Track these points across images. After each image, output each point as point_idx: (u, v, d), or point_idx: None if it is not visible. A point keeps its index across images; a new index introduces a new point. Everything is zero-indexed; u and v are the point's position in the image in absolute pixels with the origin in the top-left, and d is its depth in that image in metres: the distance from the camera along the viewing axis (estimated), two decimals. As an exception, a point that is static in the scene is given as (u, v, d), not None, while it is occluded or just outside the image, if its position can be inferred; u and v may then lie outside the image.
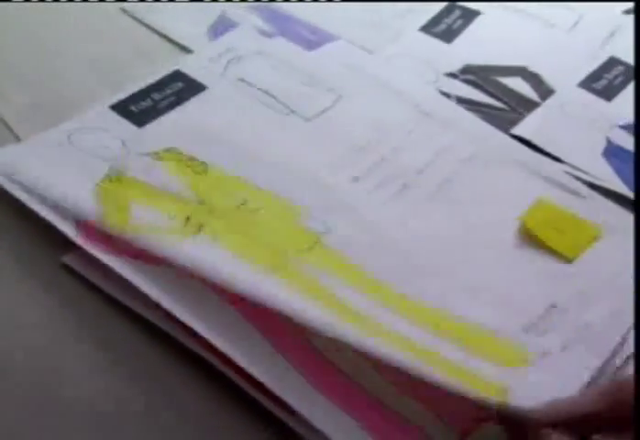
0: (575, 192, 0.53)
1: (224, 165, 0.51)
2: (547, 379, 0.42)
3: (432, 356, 0.42)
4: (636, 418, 0.40)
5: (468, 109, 0.58)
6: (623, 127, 0.58)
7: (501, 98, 0.60)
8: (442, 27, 0.67)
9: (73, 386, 0.41)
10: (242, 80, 0.58)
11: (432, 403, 0.41)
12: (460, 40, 0.66)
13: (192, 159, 0.51)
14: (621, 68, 0.64)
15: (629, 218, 0.51)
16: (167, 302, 0.43)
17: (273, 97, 0.57)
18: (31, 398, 0.40)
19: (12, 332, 0.43)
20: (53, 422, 0.40)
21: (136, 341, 0.43)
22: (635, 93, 0.62)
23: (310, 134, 0.55)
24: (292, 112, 0.56)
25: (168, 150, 0.52)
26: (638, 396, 0.41)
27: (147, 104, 0.55)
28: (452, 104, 0.59)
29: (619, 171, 0.55)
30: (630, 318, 0.45)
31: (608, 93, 0.62)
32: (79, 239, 0.45)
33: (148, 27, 0.64)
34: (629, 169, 0.55)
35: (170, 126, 0.54)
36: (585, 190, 0.53)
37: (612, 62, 0.64)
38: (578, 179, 0.54)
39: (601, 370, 0.43)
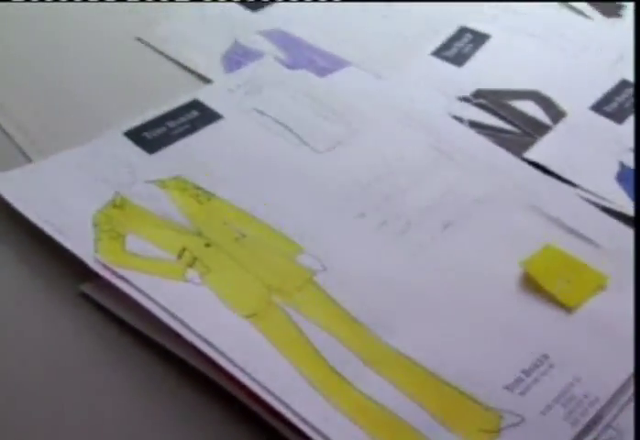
0: (586, 239, 0.51)
1: (228, 196, 0.52)
2: None
3: (392, 425, 0.41)
4: (636, 418, 0.41)
5: (481, 133, 0.59)
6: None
7: (513, 122, 0.60)
8: (453, 50, 0.67)
9: (90, 413, 0.41)
10: (258, 110, 0.58)
11: None
12: (471, 64, 0.66)
13: (197, 188, 0.52)
14: (631, 90, 0.64)
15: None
16: (184, 331, 0.43)
17: (287, 128, 0.57)
18: (48, 427, 0.41)
19: (30, 361, 0.43)
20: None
21: (155, 369, 0.43)
22: (635, 93, 0.62)
23: (320, 167, 0.55)
24: (305, 143, 0.56)
25: (174, 178, 0.52)
26: (638, 395, 0.42)
27: (161, 131, 0.56)
28: (466, 132, 0.59)
29: (633, 195, 0.55)
30: (618, 380, 0.43)
31: (619, 116, 0.62)
32: (97, 266, 0.46)
33: (163, 55, 0.64)
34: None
35: (179, 154, 0.54)
36: (598, 236, 0.51)
37: (623, 85, 0.65)
38: (591, 202, 0.54)
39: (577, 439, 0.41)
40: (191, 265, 0.47)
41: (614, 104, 0.63)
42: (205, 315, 0.44)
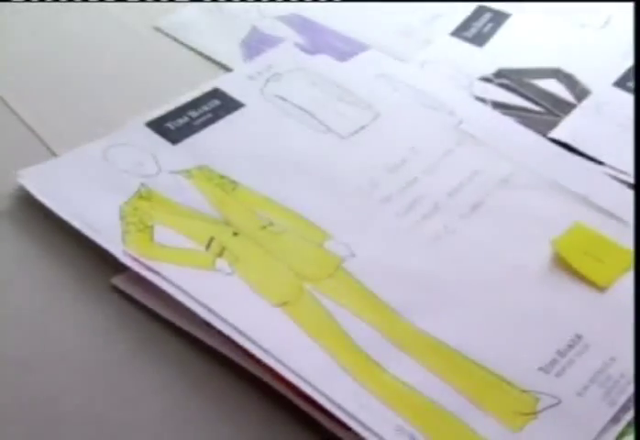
0: (615, 216, 0.51)
1: (253, 184, 0.51)
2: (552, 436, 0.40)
3: (427, 409, 0.41)
4: (637, 418, 0.40)
5: (505, 113, 0.58)
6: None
7: (536, 101, 0.60)
8: (472, 31, 0.67)
9: (128, 408, 0.41)
10: (280, 97, 0.58)
11: None
12: (492, 44, 0.66)
13: (222, 177, 0.52)
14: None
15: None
16: (217, 322, 0.43)
17: (311, 114, 0.57)
18: (84, 423, 0.41)
19: (63, 354, 0.43)
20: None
21: (189, 360, 0.43)
22: (635, 93, 0.61)
23: (344, 152, 0.55)
24: (329, 130, 0.56)
25: (199, 168, 0.52)
26: (638, 395, 0.41)
27: (183, 121, 0.56)
28: (489, 113, 0.59)
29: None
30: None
31: (644, 92, 0.61)
32: (127, 259, 0.46)
33: (182, 43, 0.64)
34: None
35: (203, 144, 0.54)
36: (627, 213, 0.51)
37: (646, 60, 0.64)
38: (618, 180, 0.54)
39: (615, 419, 0.41)
40: (219, 254, 0.47)
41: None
42: (236, 305, 0.44)
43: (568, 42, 0.66)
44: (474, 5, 0.69)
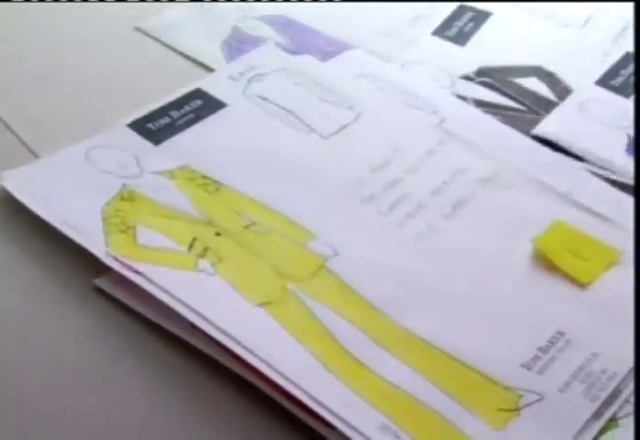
0: (597, 214, 0.51)
1: (237, 184, 0.51)
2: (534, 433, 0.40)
3: (411, 408, 0.41)
4: (636, 417, 0.41)
5: (487, 112, 0.58)
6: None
7: (518, 99, 0.60)
8: (454, 30, 0.67)
9: (113, 409, 0.41)
10: (262, 97, 0.58)
11: None
12: (474, 43, 0.66)
13: (205, 177, 0.52)
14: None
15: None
16: (201, 323, 0.43)
17: (292, 114, 0.57)
18: (67, 425, 0.41)
19: (46, 356, 0.43)
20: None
21: (173, 361, 0.43)
22: (635, 92, 0.61)
23: (327, 152, 0.55)
24: (312, 130, 0.56)
25: (181, 168, 0.52)
26: (638, 395, 0.42)
27: (165, 121, 0.55)
28: (471, 111, 0.59)
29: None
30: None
31: (626, 90, 0.61)
32: (109, 260, 0.46)
33: (163, 44, 0.64)
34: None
35: (185, 144, 0.54)
36: (609, 210, 0.51)
37: (628, 58, 0.64)
38: (600, 177, 0.54)
39: (596, 414, 0.41)
40: (202, 255, 0.47)
41: (620, 78, 0.63)
42: (220, 305, 0.44)
43: (549, 41, 0.66)
44: (455, 4, 0.69)
